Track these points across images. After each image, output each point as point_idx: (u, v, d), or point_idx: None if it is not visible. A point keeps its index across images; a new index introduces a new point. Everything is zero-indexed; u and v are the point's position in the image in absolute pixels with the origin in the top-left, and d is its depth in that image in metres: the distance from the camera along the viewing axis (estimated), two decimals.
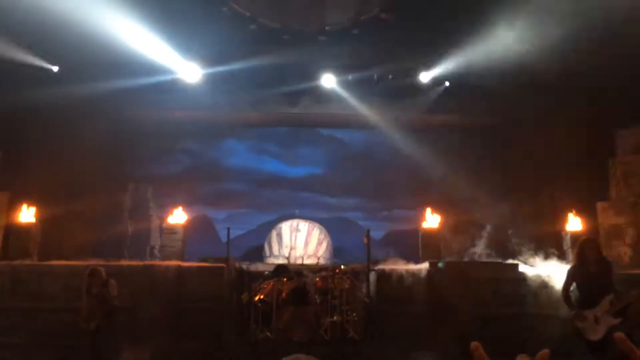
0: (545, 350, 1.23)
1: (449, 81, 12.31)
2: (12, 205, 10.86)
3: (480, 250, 11.18)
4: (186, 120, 13.89)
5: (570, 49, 10.04)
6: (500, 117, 13.34)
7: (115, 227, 12.35)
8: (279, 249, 13.05)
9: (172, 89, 12.53)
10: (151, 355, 8.15)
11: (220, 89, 12.74)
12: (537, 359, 1.21)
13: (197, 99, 12.77)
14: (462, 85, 12.28)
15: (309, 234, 13.31)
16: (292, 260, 12.42)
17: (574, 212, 10.81)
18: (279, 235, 13.31)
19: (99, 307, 7.66)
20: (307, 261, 12.61)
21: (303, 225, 13.43)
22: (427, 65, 12.03)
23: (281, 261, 12.48)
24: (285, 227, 13.43)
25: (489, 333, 8.68)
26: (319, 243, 13.24)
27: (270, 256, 13.08)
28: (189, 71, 12.25)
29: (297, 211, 13.71)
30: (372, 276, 9.61)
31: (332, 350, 8.38)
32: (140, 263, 9.51)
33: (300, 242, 13.19)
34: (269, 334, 9.35)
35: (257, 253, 12.98)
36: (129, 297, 8.25)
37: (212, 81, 12.50)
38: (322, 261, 12.72)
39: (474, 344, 1.23)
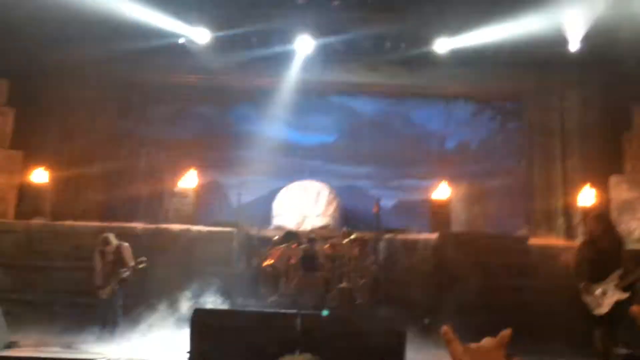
0: (507, 331, 1.24)
1: (464, 51, 12.10)
2: (26, 165, 10.99)
3: (490, 221, 11.19)
4: (198, 85, 13.84)
5: (590, 23, 9.86)
6: (514, 87, 13.16)
7: (128, 190, 12.46)
8: (288, 209, 12.90)
9: (182, 53, 12.43)
10: (161, 316, 8.32)
11: (232, 54, 12.62)
12: (498, 339, 1.23)
13: (208, 63, 12.67)
14: (476, 55, 12.07)
15: (318, 193, 13.10)
16: (300, 220, 12.39)
17: (588, 184, 10.74)
18: (288, 195, 13.14)
19: (113, 273, 7.83)
20: (316, 221, 12.55)
21: (312, 185, 13.28)
22: (442, 34, 11.82)
23: (289, 221, 12.49)
24: (295, 187, 13.26)
25: (497, 303, 8.76)
26: (329, 203, 13.02)
27: (279, 216, 12.91)
28: (198, 34, 12.13)
29: (307, 173, 13.61)
30: (381, 244, 9.68)
31: (339, 316, 8.49)
32: (152, 226, 9.63)
33: (309, 201, 12.96)
34: (277, 298, 9.49)
35: (268, 219, 12.99)
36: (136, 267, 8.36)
37: (222, 45, 12.37)
38: (331, 221, 12.67)
39: (444, 328, 1.24)
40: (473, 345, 1.21)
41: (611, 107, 11.88)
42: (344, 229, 11.56)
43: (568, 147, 12.52)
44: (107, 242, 7.89)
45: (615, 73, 11.64)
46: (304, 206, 12.79)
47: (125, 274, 7.85)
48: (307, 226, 12.38)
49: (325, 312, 7.54)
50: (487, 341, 1.23)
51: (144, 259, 8.02)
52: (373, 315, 7.65)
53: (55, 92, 12.27)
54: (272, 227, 12.71)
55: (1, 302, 8.15)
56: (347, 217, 12.81)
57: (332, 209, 12.98)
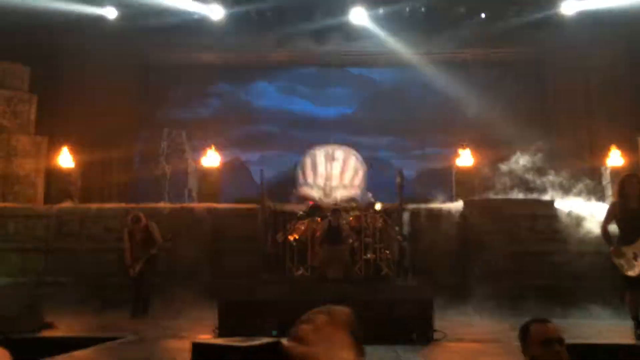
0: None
1: (485, 13, 11.79)
2: (51, 149, 11.16)
3: (516, 187, 11.02)
4: (215, 63, 13.80)
5: None
6: (536, 48, 12.81)
7: (152, 171, 12.58)
8: (314, 178, 12.48)
9: (198, 31, 12.37)
10: (191, 292, 8.45)
11: (247, 29, 12.52)
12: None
13: (224, 40, 12.60)
14: (498, 18, 11.76)
15: (344, 162, 12.64)
16: (327, 190, 12.22)
17: (615, 146, 10.48)
18: (314, 164, 12.66)
19: (142, 251, 7.95)
20: (342, 192, 12.35)
21: (339, 152, 12.78)
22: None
23: (315, 191, 12.34)
24: (320, 154, 12.77)
25: (523, 269, 8.69)
26: (355, 173, 12.62)
27: (304, 185, 12.53)
28: (213, 10, 12.03)
29: (332, 139, 13.33)
30: (405, 215, 9.62)
31: (365, 287, 8.52)
32: (178, 205, 9.75)
33: (335, 171, 12.49)
34: (304, 271, 9.55)
35: (290, 194, 12.96)
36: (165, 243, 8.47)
37: (237, 21, 12.27)
38: (358, 191, 12.45)
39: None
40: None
41: (636, 66, 11.53)
42: (370, 197, 11.47)
43: (593, 108, 12.21)
44: (138, 219, 8.00)
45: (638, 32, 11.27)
46: (330, 178, 12.39)
47: (154, 250, 7.96)
48: (334, 196, 12.19)
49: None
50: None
51: (169, 235, 8.14)
52: (400, 285, 7.65)
53: (76, 76, 12.38)
54: (296, 197, 12.62)
55: (35, 285, 8.38)
56: (370, 189, 12.68)
57: (358, 179, 12.67)
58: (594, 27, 11.69)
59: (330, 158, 12.71)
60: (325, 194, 12.29)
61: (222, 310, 6.22)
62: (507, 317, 7.12)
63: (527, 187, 11.31)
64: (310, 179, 12.58)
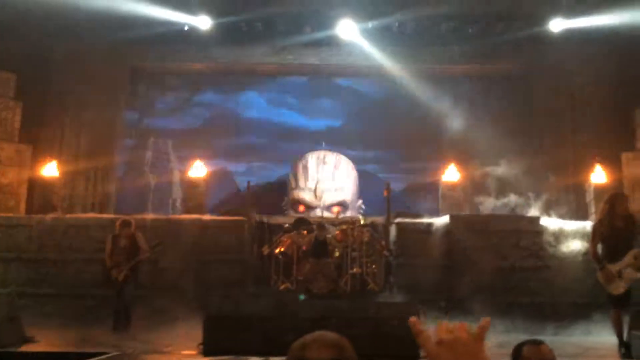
0: (486, 320, 1.13)
1: (472, 29, 11.92)
2: (35, 159, 11.01)
3: (500, 202, 11.09)
4: (203, 72, 13.78)
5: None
6: (522, 64, 12.97)
7: (137, 180, 12.48)
8: (305, 182, 12.57)
9: (187, 41, 12.33)
10: (175, 305, 8.35)
11: (236, 40, 12.52)
12: (477, 330, 1.11)
13: (212, 50, 12.58)
14: (484, 33, 11.89)
15: (336, 166, 12.76)
16: (318, 194, 12.21)
17: (599, 163, 10.60)
18: (305, 167, 12.77)
19: (126, 259, 7.84)
20: (333, 194, 12.42)
21: (330, 156, 12.91)
22: (449, 13, 11.63)
23: (307, 193, 12.35)
24: (312, 158, 12.89)
25: (509, 285, 8.73)
26: (347, 176, 12.74)
27: (296, 188, 12.64)
28: (201, 21, 12.02)
29: (323, 143, 13.35)
30: (392, 229, 9.64)
31: (351, 303, 8.50)
32: (163, 217, 9.65)
33: (327, 174, 12.61)
34: (289, 285, 9.50)
35: (277, 205, 12.94)
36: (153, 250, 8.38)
37: (226, 31, 12.25)
38: (349, 196, 12.49)
39: (412, 319, 1.13)
40: (447, 337, 1.09)
41: (622, 83, 11.72)
42: (360, 204, 11.48)
43: (578, 125, 12.37)
44: (127, 223, 7.92)
45: (626, 48, 11.46)
46: (321, 181, 12.47)
47: (145, 255, 7.85)
48: (324, 199, 12.20)
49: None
50: (462, 331, 1.10)
51: (159, 242, 8.06)
52: (386, 302, 7.64)
53: (63, 85, 12.27)
54: (288, 203, 12.62)
55: (16, 297, 8.23)
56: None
57: (349, 183, 12.66)
58: (580, 44, 11.87)
59: (322, 162, 12.73)
60: (316, 197, 12.28)
61: (207, 325, 6.15)
62: (494, 333, 7.13)
63: (513, 202, 11.40)
64: (301, 183, 12.57)
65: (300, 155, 13.08)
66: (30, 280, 9.06)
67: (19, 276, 9.09)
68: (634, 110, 11.17)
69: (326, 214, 12.12)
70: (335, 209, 12.24)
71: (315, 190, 12.29)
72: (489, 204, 10.96)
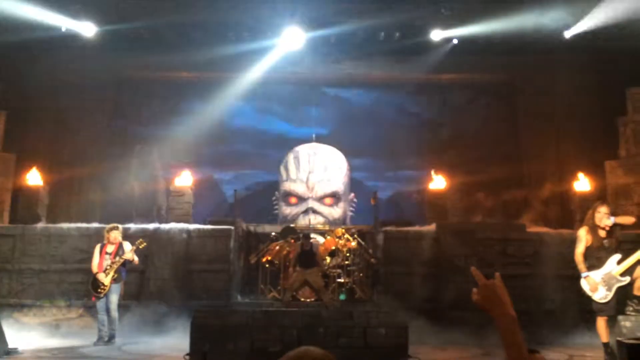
0: (497, 273, 1.73)
1: (458, 39, 12.02)
2: (19, 167, 10.88)
3: (487, 210, 11.17)
4: (189, 81, 13.72)
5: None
6: (508, 74, 13.11)
7: (122, 189, 12.37)
8: (297, 173, 12.45)
9: (172, 49, 12.27)
10: (161, 315, 8.29)
11: (222, 47, 12.46)
12: (497, 280, 1.73)
13: (198, 58, 12.52)
14: (470, 43, 12.01)
15: (327, 158, 12.68)
16: (310, 185, 12.12)
17: (583, 172, 10.72)
18: (297, 158, 12.65)
19: (112, 265, 7.75)
20: (325, 185, 12.37)
21: (322, 149, 12.83)
22: (436, 23, 11.73)
23: (298, 184, 12.28)
24: (303, 150, 12.80)
25: None
26: (339, 167, 12.65)
27: (287, 180, 12.53)
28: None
29: (313, 135, 13.29)
30: (379, 237, 9.65)
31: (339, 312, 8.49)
32: (149, 225, 9.56)
33: (319, 165, 12.48)
34: (276, 294, 9.47)
35: (264, 213, 12.88)
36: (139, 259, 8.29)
37: (213, 38, 12.21)
38: (341, 187, 12.49)
39: (473, 268, 1.77)
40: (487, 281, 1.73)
41: (604, 92, 11.91)
42: (352, 197, 11.41)
43: (562, 133, 12.51)
44: (114, 229, 7.83)
45: (608, 58, 11.64)
46: (313, 171, 12.40)
47: (130, 254, 7.71)
48: (316, 190, 12.14)
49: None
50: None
51: (142, 239, 7.95)
52: (374, 310, 7.64)
53: (48, 93, 12.17)
54: (278, 195, 12.62)
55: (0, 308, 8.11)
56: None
57: (341, 175, 12.53)
58: (565, 54, 12.03)
59: (313, 153, 12.68)
60: (308, 187, 12.23)
61: (194, 335, 6.09)
62: (481, 340, 7.16)
63: (499, 210, 11.49)
64: (293, 174, 12.49)
65: (292, 148, 13.01)
66: (14, 290, 8.94)
67: (2, 286, 8.97)
68: (617, 119, 11.32)
69: (317, 205, 12.03)
70: (328, 200, 12.19)
71: (307, 181, 12.23)
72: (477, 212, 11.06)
